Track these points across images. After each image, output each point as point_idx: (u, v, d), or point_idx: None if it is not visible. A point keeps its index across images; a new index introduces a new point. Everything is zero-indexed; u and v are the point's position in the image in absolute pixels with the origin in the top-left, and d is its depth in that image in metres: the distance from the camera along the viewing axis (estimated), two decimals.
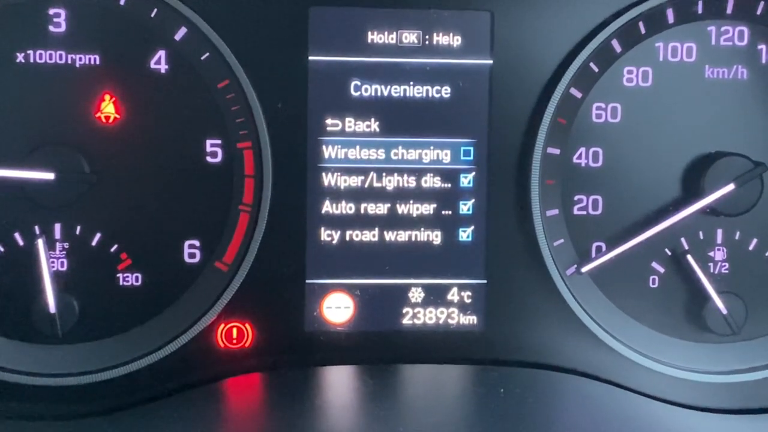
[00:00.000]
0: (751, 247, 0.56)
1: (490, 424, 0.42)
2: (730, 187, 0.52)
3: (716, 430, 0.51)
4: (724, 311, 0.54)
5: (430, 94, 0.54)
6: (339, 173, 0.54)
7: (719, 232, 0.56)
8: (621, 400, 0.51)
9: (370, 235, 0.55)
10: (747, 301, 0.55)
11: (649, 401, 0.52)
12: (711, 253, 0.56)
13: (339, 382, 0.53)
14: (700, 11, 0.54)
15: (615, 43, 0.54)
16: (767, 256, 0.56)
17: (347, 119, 0.54)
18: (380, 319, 0.55)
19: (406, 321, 0.55)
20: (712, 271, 0.56)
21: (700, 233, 0.56)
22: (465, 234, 0.55)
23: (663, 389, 0.54)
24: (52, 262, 0.51)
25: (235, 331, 0.53)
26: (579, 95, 0.54)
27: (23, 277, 0.51)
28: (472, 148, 0.55)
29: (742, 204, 0.53)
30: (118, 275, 0.53)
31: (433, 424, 0.41)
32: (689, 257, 0.55)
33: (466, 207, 0.55)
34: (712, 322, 0.54)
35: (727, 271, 0.56)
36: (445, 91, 0.54)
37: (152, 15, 0.51)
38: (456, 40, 0.54)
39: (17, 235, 0.51)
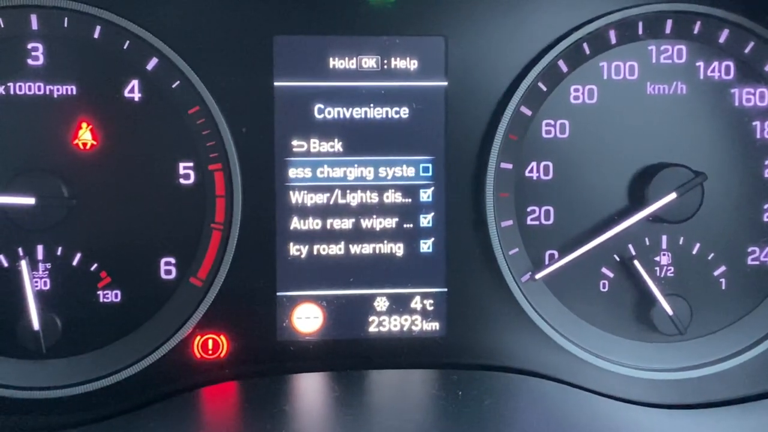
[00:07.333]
0: (694, 252, 0.60)
1: (447, 426, 0.45)
2: (672, 196, 0.55)
3: (663, 424, 0.54)
4: (671, 312, 0.57)
5: (389, 115, 0.57)
6: (306, 192, 0.57)
7: (664, 238, 0.60)
8: (574, 398, 0.54)
9: (336, 249, 0.58)
10: (692, 302, 0.59)
11: (601, 398, 0.55)
12: (657, 258, 0.60)
13: (309, 389, 0.56)
14: (640, 32, 0.58)
15: (561, 64, 0.57)
16: (709, 260, 0.60)
17: (312, 140, 0.57)
18: (347, 327, 0.58)
19: (372, 329, 0.58)
20: (658, 274, 0.60)
21: (646, 240, 0.59)
22: (426, 245, 0.59)
23: (614, 387, 0.57)
24: (36, 282, 0.54)
25: (210, 342, 0.56)
26: (529, 113, 0.58)
27: (8, 297, 0.54)
28: (430, 165, 0.58)
29: (684, 212, 0.57)
30: (98, 293, 0.56)
31: (396, 427, 0.44)
32: (636, 262, 0.59)
33: (426, 220, 0.59)
34: (660, 323, 0.58)
35: (672, 275, 0.60)
36: (404, 112, 0.58)
37: (125, 47, 0.54)
38: (413, 64, 0.57)
39: (1, 257, 0.54)
